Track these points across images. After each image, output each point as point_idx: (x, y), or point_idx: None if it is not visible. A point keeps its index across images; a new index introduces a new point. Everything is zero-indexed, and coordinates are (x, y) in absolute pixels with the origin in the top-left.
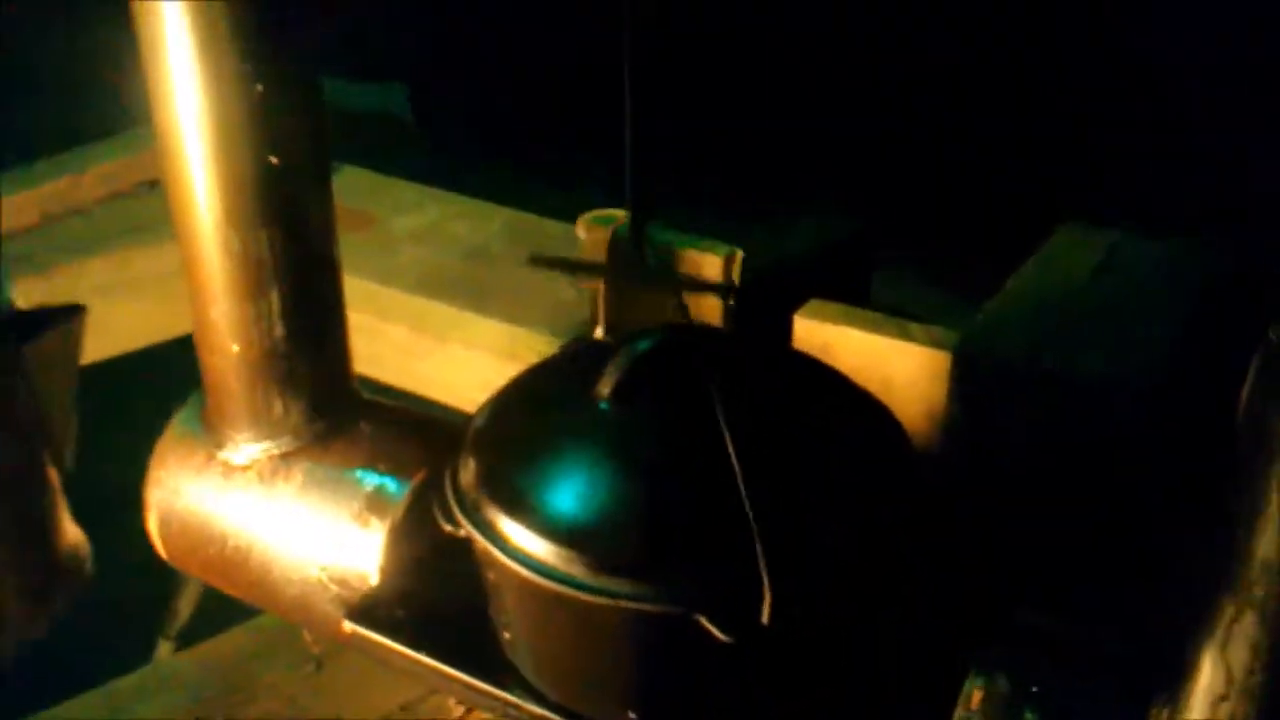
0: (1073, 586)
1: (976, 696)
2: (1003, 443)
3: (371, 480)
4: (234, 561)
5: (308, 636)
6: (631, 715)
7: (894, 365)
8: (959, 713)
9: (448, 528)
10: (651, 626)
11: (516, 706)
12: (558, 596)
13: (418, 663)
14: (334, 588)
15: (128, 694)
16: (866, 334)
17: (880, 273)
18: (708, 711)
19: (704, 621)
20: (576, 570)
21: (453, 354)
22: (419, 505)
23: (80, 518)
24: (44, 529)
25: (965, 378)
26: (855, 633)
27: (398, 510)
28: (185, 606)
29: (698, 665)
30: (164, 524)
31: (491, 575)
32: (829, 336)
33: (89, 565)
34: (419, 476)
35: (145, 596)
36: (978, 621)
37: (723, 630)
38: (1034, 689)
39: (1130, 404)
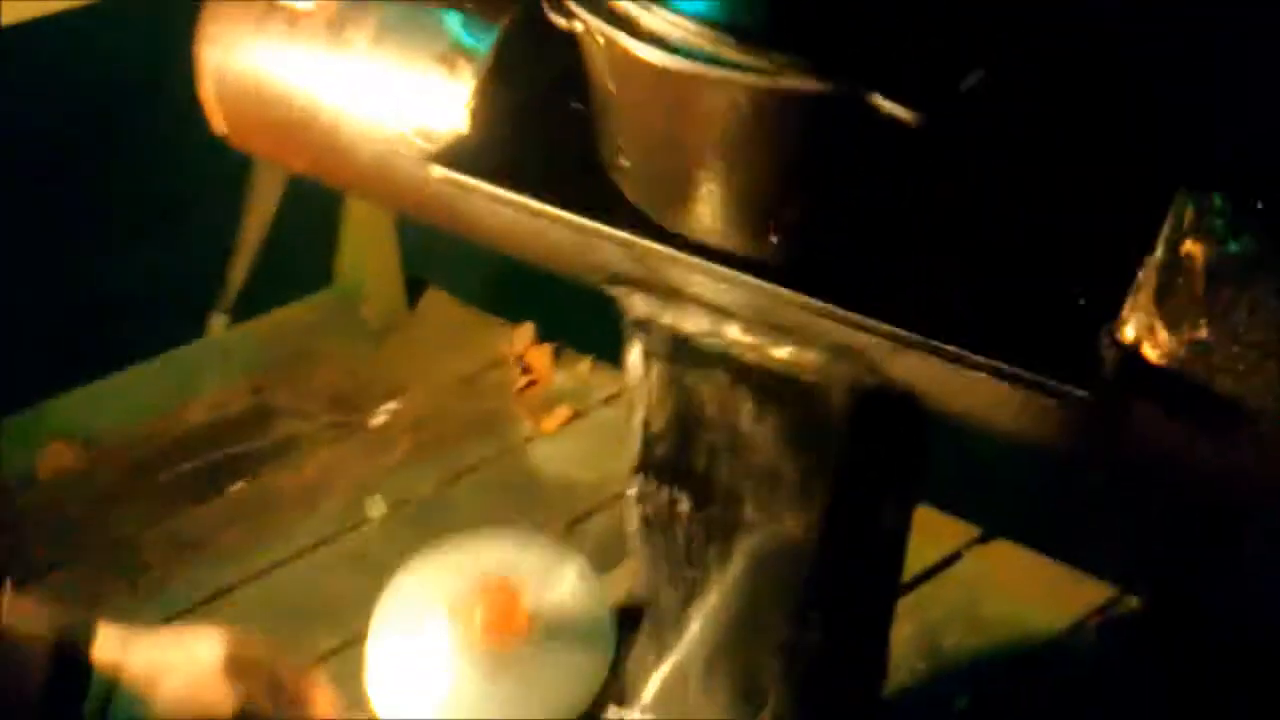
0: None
1: (1188, 216)
2: None
3: (456, 20)
4: (301, 123)
5: (367, 311)
6: (774, 240)
7: None
8: (1167, 230)
9: (560, 21)
10: (813, 113)
11: (632, 244)
12: (697, 83)
13: (516, 204)
14: (418, 142)
15: (185, 365)
16: None
17: None
18: (872, 226)
19: (880, 100)
20: (722, 47)
21: None
22: (513, 46)
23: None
24: None
25: None
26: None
27: (489, 51)
28: (238, 277)
29: (863, 164)
30: (220, 87)
31: (612, 82)
32: None
33: None
34: (512, 13)
35: (196, 274)
36: (1179, 150)
37: (905, 107)
38: (1259, 204)
39: None
